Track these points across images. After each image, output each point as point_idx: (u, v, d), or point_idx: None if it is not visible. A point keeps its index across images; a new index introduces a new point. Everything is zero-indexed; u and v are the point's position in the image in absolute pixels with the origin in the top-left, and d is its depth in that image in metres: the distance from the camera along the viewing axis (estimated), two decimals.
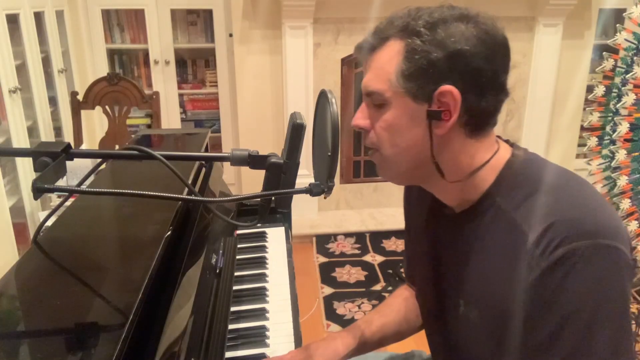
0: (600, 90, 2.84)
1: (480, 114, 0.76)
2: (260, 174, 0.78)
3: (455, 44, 0.72)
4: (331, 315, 2.45)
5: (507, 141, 0.85)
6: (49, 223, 0.92)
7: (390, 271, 2.81)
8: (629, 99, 2.66)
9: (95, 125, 3.27)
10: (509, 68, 0.77)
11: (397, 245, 3.09)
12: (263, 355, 1.06)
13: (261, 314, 1.19)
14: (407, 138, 0.77)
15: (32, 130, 2.49)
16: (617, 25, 2.75)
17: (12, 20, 2.30)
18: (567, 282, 0.68)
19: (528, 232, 0.72)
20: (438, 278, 0.91)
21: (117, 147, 2.72)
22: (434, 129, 0.76)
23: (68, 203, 1.03)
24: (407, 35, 0.74)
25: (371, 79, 0.78)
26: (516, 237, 0.73)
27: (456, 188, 0.81)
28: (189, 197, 0.88)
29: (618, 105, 2.72)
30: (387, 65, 0.76)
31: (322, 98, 0.79)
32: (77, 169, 1.86)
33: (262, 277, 1.33)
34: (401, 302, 1.12)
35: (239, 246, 1.44)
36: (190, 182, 1.13)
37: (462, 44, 0.72)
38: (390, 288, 2.65)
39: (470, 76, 0.73)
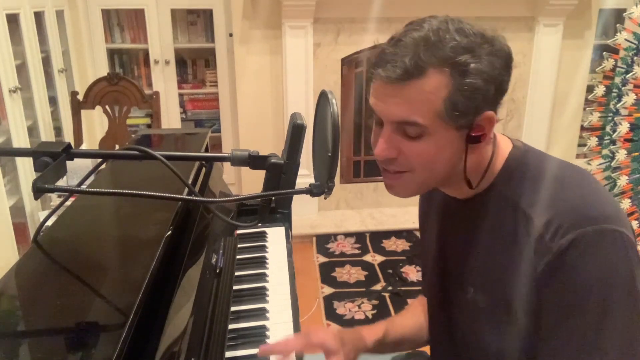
0: (600, 90, 2.84)
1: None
2: (261, 173, 0.78)
3: (499, 75, 0.74)
4: (331, 315, 2.45)
5: (502, 135, 0.88)
6: (49, 223, 0.92)
7: (390, 271, 2.81)
8: (629, 99, 2.66)
9: (95, 125, 3.27)
10: None
11: (397, 245, 3.09)
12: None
13: (261, 313, 1.19)
14: (444, 163, 0.79)
15: (32, 130, 2.49)
16: (617, 25, 2.75)
17: (12, 20, 2.30)
18: (580, 265, 0.71)
19: (534, 218, 0.76)
20: (445, 267, 0.93)
21: (117, 147, 2.72)
22: (469, 150, 0.78)
23: (68, 203, 1.03)
24: (454, 69, 0.71)
25: (409, 110, 0.74)
26: (522, 223, 0.77)
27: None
28: (189, 197, 0.88)
29: (618, 105, 2.72)
30: (432, 98, 0.72)
31: (323, 99, 0.79)
32: (77, 169, 1.86)
33: (262, 277, 1.33)
34: (421, 309, 1.12)
35: (239, 246, 1.44)
36: (190, 182, 1.13)
37: (502, 74, 0.75)
38: (390, 288, 2.65)
39: (501, 98, 0.77)
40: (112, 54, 3.41)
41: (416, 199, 0.96)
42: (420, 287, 1.18)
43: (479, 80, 0.72)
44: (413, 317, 1.11)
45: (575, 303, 0.72)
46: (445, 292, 0.94)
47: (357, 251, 3.03)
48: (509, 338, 0.80)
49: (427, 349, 1.15)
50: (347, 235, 3.18)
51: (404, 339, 1.08)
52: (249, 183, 3.34)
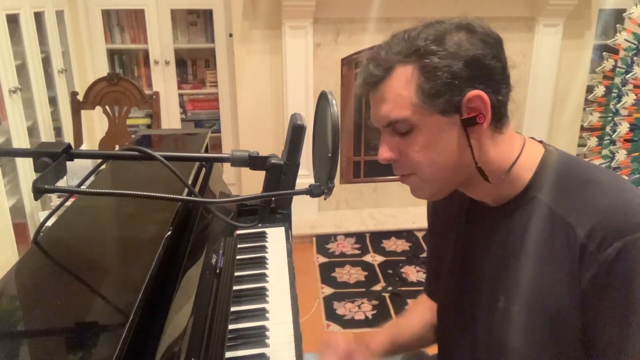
0: (600, 90, 2.84)
1: (500, 108, 0.78)
2: (261, 174, 0.78)
3: (467, 51, 0.74)
4: (331, 315, 2.45)
5: (532, 139, 0.87)
6: (49, 223, 0.92)
7: (390, 271, 2.81)
8: (629, 99, 2.66)
9: (95, 125, 3.27)
10: (507, 61, 0.79)
11: (397, 245, 3.09)
12: (263, 355, 1.06)
13: (261, 314, 1.19)
14: (445, 153, 0.78)
15: (32, 131, 2.49)
16: (617, 25, 2.75)
17: (12, 20, 2.30)
18: (632, 275, 0.70)
19: (576, 227, 0.74)
20: (469, 272, 0.91)
21: (117, 147, 2.72)
22: (470, 135, 0.77)
23: (68, 203, 1.03)
24: (418, 57, 0.74)
25: (389, 110, 0.77)
26: (563, 231, 0.75)
27: (494, 186, 0.82)
28: (189, 197, 0.88)
29: (618, 106, 2.73)
30: (403, 91, 0.75)
31: (323, 99, 0.79)
32: (77, 169, 1.86)
33: (262, 277, 1.33)
34: (425, 307, 1.12)
35: (239, 246, 1.44)
36: (190, 182, 1.13)
37: (473, 50, 0.74)
38: (390, 288, 2.65)
39: (486, 77, 0.75)
40: (112, 54, 3.41)
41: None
42: (422, 288, 1.17)
43: (438, 58, 0.73)
44: (418, 316, 1.10)
45: (634, 314, 0.70)
46: (467, 297, 0.92)
47: (357, 251, 3.03)
48: (541, 347, 0.79)
49: (427, 349, 1.15)
50: (347, 235, 3.18)
51: (413, 340, 1.07)
52: (249, 183, 3.34)
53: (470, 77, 0.74)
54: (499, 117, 0.79)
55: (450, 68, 0.73)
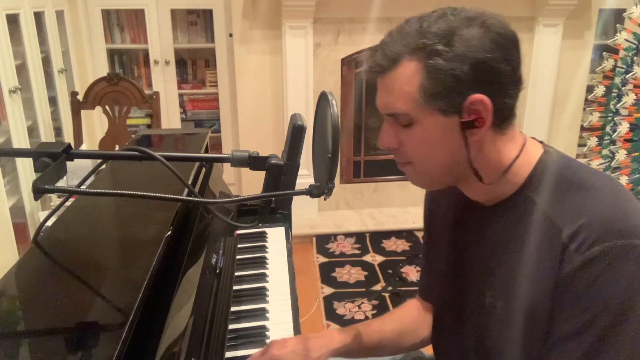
0: (600, 90, 2.84)
1: (503, 110, 0.77)
2: (261, 173, 0.78)
3: (475, 53, 0.72)
4: (331, 315, 2.45)
5: (533, 139, 0.86)
6: (49, 223, 0.92)
7: (390, 271, 2.81)
8: (629, 99, 2.66)
9: (95, 125, 3.27)
10: (521, 60, 0.78)
11: (397, 245, 3.09)
12: None
13: (261, 314, 1.19)
14: (441, 151, 0.78)
15: (32, 130, 2.49)
16: (617, 25, 2.75)
17: (12, 20, 2.30)
18: (602, 279, 0.70)
19: (562, 227, 0.74)
20: (461, 271, 0.92)
21: (117, 147, 2.72)
22: (468, 137, 0.76)
23: (68, 203, 1.03)
24: (424, 55, 0.73)
25: (392, 101, 0.77)
26: (549, 232, 0.75)
27: (489, 186, 0.82)
28: (188, 198, 0.88)
29: (618, 105, 2.73)
30: (406, 86, 0.75)
31: (323, 100, 0.79)
32: (77, 169, 1.86)
33: (262, 277, 1.33)
34: (406, 312, 1.11)
35: (239, 246, 1.44)
36: (190, 182, 1.13)
37: (481, 52, 0.72)
38: (390, 288, 2.65)
39: (493, 80, 0.74)
40: (112, 54, 3.41)
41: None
42: (417, 288, 1.15)
43: (444, 60, 0.72)
44: (393, 322, 1.09)
45: (589, 316, 0.71)
46: (458, 297, 0.92)
47: (357, 251, 3.03)
48: (523, 345, 0.79)
49: (427, 349, 1.15)
50: (347, 235, 3.18)
51: (381, 344, 1.05)
52: (249, 183, 3.34)
53: (475, 81, 0.73)
54: (502, 119, 0.78)
55: (453, 71, 0.72)
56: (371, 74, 0.79)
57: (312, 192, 0.77)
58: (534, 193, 0.79)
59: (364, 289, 2.65)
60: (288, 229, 1.57)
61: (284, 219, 1.59)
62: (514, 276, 0.80)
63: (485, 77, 0.73)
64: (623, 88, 2.72)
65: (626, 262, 0.70)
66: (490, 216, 0.85)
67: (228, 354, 1.03)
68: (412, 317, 1.09)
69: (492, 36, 0.73)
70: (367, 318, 2.42)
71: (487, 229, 0.86)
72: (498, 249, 0.83)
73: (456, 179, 0.84)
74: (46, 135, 2.62)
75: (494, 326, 0.84)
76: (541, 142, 0.86)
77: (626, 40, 2.70)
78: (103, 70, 3.24)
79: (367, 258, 2.96)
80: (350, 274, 2.79)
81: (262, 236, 1.53)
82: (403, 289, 2.64)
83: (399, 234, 3.19)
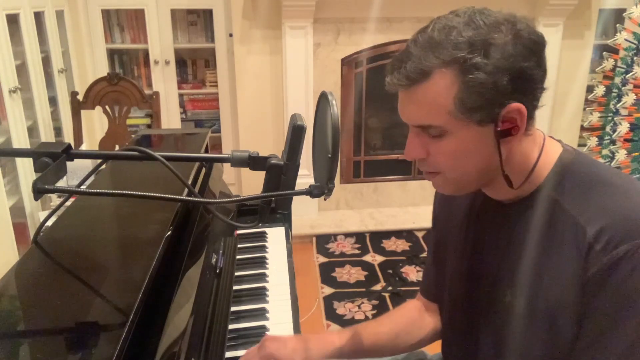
0: (600, 90, 2.84)
1: (533, 112, 0.77)
2: (261, 174, 0.78)
3: (513, 63, 0.71)
4: (331, 315, 2.45)
5: (551, 137, 0.86)
6: (49, 223, 0.92)
7: (390, 271, 2.81)
8: (629, 99, 2.66)
9: (95, 125, 3.27)
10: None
11: (397, 245, 3.09)
12: None
13: (261, 314, 1.19)
14: (474, 160, 0.77)
15: (32, 130, 2.49)
16: (617, 25, 2.75)
17: (12, 20, 2.30)
18: (632, 278, 0.70)
19: (586, 226, 0.74)
20: (477, 270, 0.91)
21: (117, 147, 2.72)
22: (502, 144, 0.76)
23: (68, 203, 1.03)
24: (459, 68, 0.71)
25: (423, 114, 0.75)
26: (573, 231, 0.75)
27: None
28: (188, 198, 0.88)
29: (618, 105, 2.73)
30: (440, 99, 0.73)
31: (323, 100, 0.79)
32: (77, 169, 1.86)
33: (262, 277, 1.33)
34: (403, 314, 1.11)
35: (239, 246, 1.44)
36: (190, 182, 1.13)
37: (519, 61, 0.71)
38: (390, 288, 2.65)
39: (529, 87, 0.74)
40: (112, 54, 3.41)
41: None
42: (418, 288, 1.15)
43: (484, 74, 0.70)
44: (390, 323, 1.09)
45: (620, 315, 0.71)
46: (473, 296, 0.92)
47: (357, 251, 3.03)
48: (544, 344, 0.79)
49: (427, 349, 1.15)
50: (347, 235, 3.18)
51: (377, 345, 1.05)
52: (249, 183, 3.34)
53: (513, 90, 0.72)
54: (531, 121, 0.78)
55: (495, 84, 0.71)
56: (399, 87, 0.75)
57: (312, 192, 0.77)
58: (555, 192, 0.79)
59: (364, 289, 2.65)
60: (288, 229, 1.57)
61: (284, 219, 1.59)
62: (537, 275, 0.79)
63: (523, 85, 0.73)
64: (623, 88, 2.72)
65: None
66: (510, 214, 0.84)
67: (228, 354, 1.03)
68: (409, 319, 1.09)
69: (525, 42, 0.72)
70: (367, 318, 2.42)
71: (506, 227, 0.85)
72: (519, 247, 0.83)
73: (484, 183, 0.83)
74: (46, 135, 2.62)
75: (514, 325, 0.83)
76: (559, 140, 0.86)
77: (626, 40, 2.70)
78: (103, 70, 3.24)
79: (367, 258, 2.96)
80: (350, 274, 2.79)
81: (262, 236, 1.53)
82: (403, 289, 2.64)
83: (399, 234, 3.19)
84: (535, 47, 0.73)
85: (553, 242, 0.77)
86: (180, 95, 3.47)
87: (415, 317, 1.09)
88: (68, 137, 2.84)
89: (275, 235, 1.53)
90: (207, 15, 3.36)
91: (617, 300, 0.71)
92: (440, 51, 0.71)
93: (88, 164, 0.91)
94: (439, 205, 1.04)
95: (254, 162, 0.78)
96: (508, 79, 0.71)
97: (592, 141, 2.91)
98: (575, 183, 0.78)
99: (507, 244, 0.85)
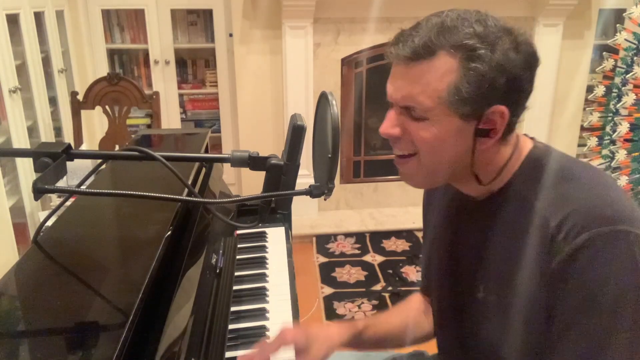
0: (600, 90, 2.84)
1: (513, 125, 0.79)
2: (261, 174, 0.78)
3: (513, 68, 0.73)
4: (331, 315, 2.45)
5: (525, 135, 0.88)
6: (49, 223, 0.92)
7: (390, 271, 2.81)
8: (629, 99, 2.66)
9: (95, 125, 3.27)
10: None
11: (397, 245, 3.09)
12: None
13: (261, 314, 1.19)
14: (450, 152, 0.78)
15: (32, 130, 2.49)
16: (617, 25, 2.75)
17: (12, 20, 2.30)
18: (592, 266, 0.71)
19: (549, 218, 0.75)
20: (456, 267, 0.93)
21: (117, 147, 2.72)
22: (477, 145, 0.77)
23: (68, 203, 1.03)
24: (464, 55, 0.72)
25: (415, 93, 0.75)
26: (537, 223, 0.76)
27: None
28: (188, 198, 0.88)
29: (618, 105, 2.72)
30: (437, 83, 0.74)
31: (323, 100, 0.79)
32: (77, 169, 1.86)
33: (262, 277, 1.33)
34: (411, 306, 1.12)
35: (239, 246, 1.44)
36: (190, 182, 1.13)
37: (518, 68, 0.73)
38: (390, 288, 2.65)
39: (517, 97, 0.76)
40: (112, 54, 3.41)
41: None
42: (418, 288, 1.17)
43: (487, 67, 0.72)
44: (399, 315, 1.10)
45: (586, 304, 0.71)
46: (455, 292, 0.93)
47: (357, 251, 3.03)
48: (517, 338, 0.80)
49: (426, 348, 1.15)
50: (347, 235, 3.18)
51: (387, 337, 1.06)
52: (249, 183, 3.34)
53: (504, 93, 0.74)
54: (509, 131, 0.80)
55: (493, 80, 0.72)
56: (402, 58, 0.75)
57: (312, 192, 0.77)
58: (522, 186, 0.81)
59: (364, 289, 2.65)
60: (288, 229, 1.57)
61: (284, 219, 1.59)
62: (506, 269, 0.81)
63: (514, 92, 0.75)
64: (623, 88, 2.72)
65: (614, 248, 0.70)
66: (481, 210, 0.86)
67: (228, 354, 1.03)
68: (416, 311, 1.11)
69: (525, 56, 0.75)
70: None
71: (478, 223, 0.87)
72: (489, 243, 0.84)
73: (454, 177, 0.84)
74: (46, 135, 2.62)
75: (490, 320, 0.84)
76: (532, 138, 0.87)
77: (626, 40, 2.70)
78: (103, 70, 3.24)
79: (367, 258, 2.96)
80: (350, 274, 2.79)
81: (262, 236, 1.53)
82: (403, 289, 2.64)
83: (399, 234, 3.19)
84: (532, 62, 0.76)
85: (522, 237, 0.79)
86: (180, 95, 3.47)
87: (421, 310, 1.11)
88: (68, 137, 2.84)
89: (275, 235, 1.53)
90: (207, 15, 3.36)
91: (579, 293, 0.72)
92: (451, 35, 0.73)
93: (88, 164, 0.91)
94: (426, 203, 1.06)
95: (254, 162, 0.78)
96: (504, 81, 0.73)
97: (592, 141, 2.91)
98: (541, 177, 0.80)
99: (480, 240, 0.86)
